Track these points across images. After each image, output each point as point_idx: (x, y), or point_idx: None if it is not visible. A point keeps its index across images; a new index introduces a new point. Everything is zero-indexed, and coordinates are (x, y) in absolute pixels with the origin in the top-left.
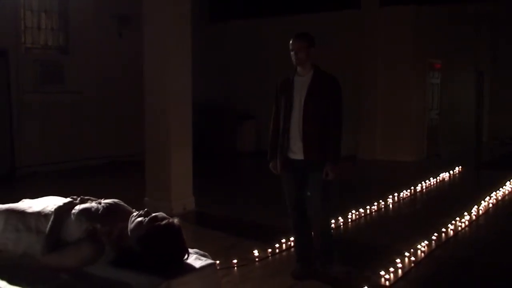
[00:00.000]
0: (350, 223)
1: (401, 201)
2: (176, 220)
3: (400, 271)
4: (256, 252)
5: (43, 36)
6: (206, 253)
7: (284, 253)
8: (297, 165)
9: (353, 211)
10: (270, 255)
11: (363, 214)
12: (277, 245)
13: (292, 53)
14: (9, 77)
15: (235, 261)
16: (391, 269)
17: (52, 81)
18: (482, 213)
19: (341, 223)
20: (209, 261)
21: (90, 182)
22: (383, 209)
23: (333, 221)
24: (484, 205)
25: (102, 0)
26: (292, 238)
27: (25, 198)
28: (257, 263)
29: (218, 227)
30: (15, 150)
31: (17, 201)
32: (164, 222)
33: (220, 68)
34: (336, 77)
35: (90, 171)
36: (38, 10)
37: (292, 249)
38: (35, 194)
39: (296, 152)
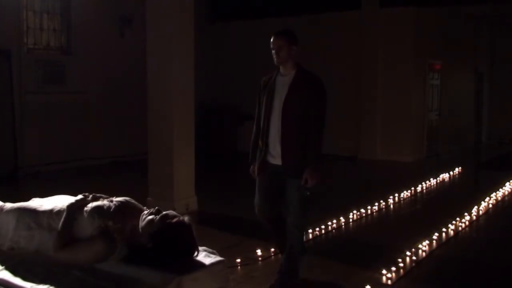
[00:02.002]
0: (351, 223)
1: (402, 201)
2: (186, 218)
3: (401, 270)
4: (259, 251)
5: (45, 36)
6: (215, 251)
7: None
8: (275, 170)
9: (354, 211)
10: (273, 254)
11: (364, 214)
12: None
13: (273, 52)
14: (12, 77)
15: (238, 260)
16: (393, 268)
17: (54, 81)
18: (482, 213)
19: (343, 223)
20: (218, 258)
21: (93, 182)
22: (384, 209)
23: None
24: (484, 205)
25: (104, 0)
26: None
27: (29, 198)
28: (260, 262)
29: (220, 227)
30: (17, 150)
31: (22, 200)
32: (175, 220)
33: (221, 68)
34: (320, 77)
35: (92, 171)
36: (40, 11)
37: None
38: (38, 194)
39: (275, 157)
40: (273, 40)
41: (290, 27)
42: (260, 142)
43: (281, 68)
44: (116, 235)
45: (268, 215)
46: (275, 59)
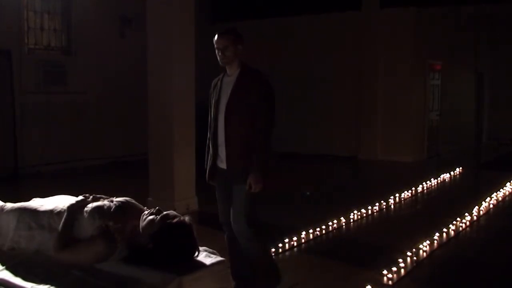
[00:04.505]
0: (352, 223)
1: (403, 201)
2: (187, 218)
3: (402, 270)
4: None
5: (46, 37)
6: (215, 251)
7: (286, 253)
8: (224, 174)
9: (355, 211)
10: (273, 254)
11: (365, 214)
12: (280, 245)
13: (217, 51)
14: (12, 77)
15: None
16: (394, 268)
17: (55, 81)
18: (483, 214)
19: (343, 223)
20: (219, 258)
21: (93, 182)
22: (384, 209)
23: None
24: (485, 206)
25: (104, 1)
26: (295, 238)
27: (30, 198)
28: None
29: (221, 227)
30: (17, 150)
31: (22, 200)
32: (175, 220)
33: (221, 69)
34: (265, 75)
35: (93, 171)
36: (41, 11)
37: (295, 249)
38: (38, 194)
39: (223, 161)
40: (217, 39)
41: (290, 27)
42: (210, 146)
43: (227, 68)
44: (117, 235)
45: (226, 221)
46: (220, 59)
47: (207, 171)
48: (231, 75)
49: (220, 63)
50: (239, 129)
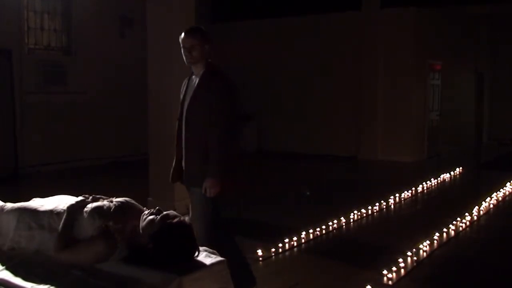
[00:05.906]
0: (352, 223)
1: (403, 201)
2: (187, 218)
3: (402, 270)
4: (259, 252)
5: (46, 37)
6: (215, 251)
7: (287, 253)
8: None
9: (355, 211)
10: (273, 254)
11: (365, 214)
12: (280, 245)
13: (183, 51)
14: (12, 77)
15: None
16: (394, 268)
17: (55, 81)
18: (483, 214)
19: (343, 223)
20: (219, 258)
21: (93, 182)
22: (384, 209)
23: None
24: (485, 206)
25: (104, 1)
26: (295, 238)
27: (29, 198)
28: (260, 262)
29: None
30: (18, 150)
31: (22, 200)
32: (175, 220)
33: (221, 68)
34: (227, 77)
35: (93, 171)
36: (41, 11)
37: (295, 249)
38: (38, 194)
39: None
40: (184, 38)
41: (290, 27)
42: (176, 148)
43: (193, 68)
44: (117, 236)
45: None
46: (186, 59)
47: (171, 171)
48: (197, 75)
49: (186, 62)
50: (198, 131)
